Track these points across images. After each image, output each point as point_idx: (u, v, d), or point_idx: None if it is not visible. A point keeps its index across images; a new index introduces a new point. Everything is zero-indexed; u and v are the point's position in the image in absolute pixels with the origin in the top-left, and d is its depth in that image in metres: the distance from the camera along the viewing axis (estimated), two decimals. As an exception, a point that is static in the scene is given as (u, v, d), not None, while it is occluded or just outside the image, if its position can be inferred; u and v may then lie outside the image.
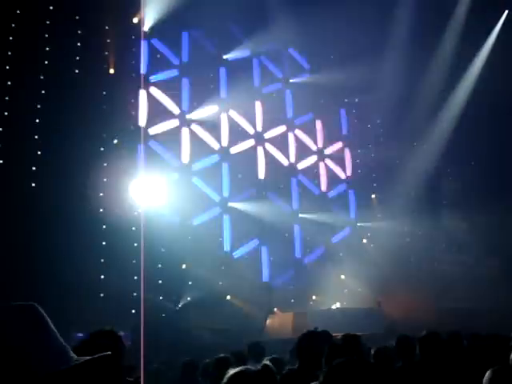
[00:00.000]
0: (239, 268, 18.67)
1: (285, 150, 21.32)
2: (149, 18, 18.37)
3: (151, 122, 18.06)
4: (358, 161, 22.93)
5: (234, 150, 19.76)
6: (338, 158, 22.77)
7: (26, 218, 14.20)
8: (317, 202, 21.54)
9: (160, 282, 16.73)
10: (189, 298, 17.18)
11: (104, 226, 16.02)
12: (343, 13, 19.40)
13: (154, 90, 18.30)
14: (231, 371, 2.23)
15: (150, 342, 9.41)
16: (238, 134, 20.19)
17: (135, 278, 16.11)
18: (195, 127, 19.02)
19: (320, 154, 22.21)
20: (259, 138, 20.59)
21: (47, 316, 1.58)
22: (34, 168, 15.18)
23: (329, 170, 22.37)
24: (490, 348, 4.27)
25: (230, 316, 16.87)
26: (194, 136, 18.98)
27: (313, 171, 22.02)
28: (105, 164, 16.47)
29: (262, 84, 21.23)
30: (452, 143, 22.59)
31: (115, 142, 16.95)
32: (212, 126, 19.56)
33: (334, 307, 18.55)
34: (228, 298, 17.97)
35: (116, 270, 15.22)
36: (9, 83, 15.29)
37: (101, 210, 16.04)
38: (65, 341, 1.57)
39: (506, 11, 22.45)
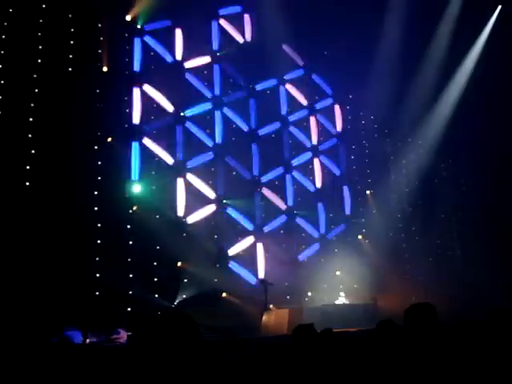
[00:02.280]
0: (234, 265, 18.72)
1: (279, 147, 21.31)
2: (142, 15, 18.37)
3: (145, 119, 18.04)
4: (352, 157, 22.94)
5: (228, 147, 19.73)
6: (333, 154, 22.76)
7: (19, 217, 14.17)
8: (311, 198, 21.54)
9: (155, 279, 16.73)
10: (184, 296, 17.18)
11: (99, 225, 15.99)
12: (336, 8, 19.43)
13: (147, 88, 18.25)
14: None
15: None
16: (231, 130, 20.18)
17: (131, 276, 16.16)
18: (190, 125, 19.00)
19: (314, 151, 22.19)
20: (253, 135, 20.56)
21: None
22: (27, 167, 15.13)
23: (323, 166, 22.35)
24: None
25: (225, 313, 16.89)
26: (188, 133, 18.95)
27: (307, 167, 22.00)
28: (99, 162, 16.45)
29: (256, 81, 21.19)
30: (446, 139, 22.65)
31: (109, 140, 16.90)
32: (207, 124, 19.55)
33: (340, 300, 18.55)
34: (224, 295, 17.97)
35: (111, 269, 15.20)
36: (2, 82, 15.24)
37: (95, 209, 16.01)
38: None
39: (500, 6, 22.50)
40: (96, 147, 16.63)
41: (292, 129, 21.78)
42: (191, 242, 17.63)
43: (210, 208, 18.84)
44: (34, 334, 11.26)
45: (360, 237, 21.99)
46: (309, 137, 22.11)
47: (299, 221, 20.90)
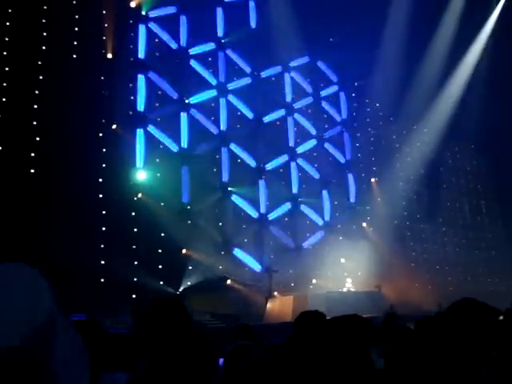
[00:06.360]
0: (239, 253, 18.76)
1: (284, 135, 21.26)
2: (147, 1, 18.28)
3: (150, 106, 18.00)
4: (357, 144, 22.89)
5: (233, 134, 19.69)
6: (338, 142, 22.72)
7: (25, 205, 14.19)
8: (317, 185, 21.51)
9: (160, 266, 16.76)
10: (189, 283, 17.22)
11: (104, 212, 16.01)
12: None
13: (152, 75, 18.20)
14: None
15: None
16: (237, 118, 20.11)
17: (135, 263, 16.21)
18: (194, 112, 18.95)
19: (320, 138, 22.15)
20: (259, 123, 20.51)
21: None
22: (32, 154, 15.13)
23: (328, 153, 22.32)
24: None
25: (230, 300, 16.93)
26: (193, 120, 18.90)
27: (312, 155, 21.96)
28: (104, 150, 16.44)
29: (261, 68, 21.12)
30: (451, 126, 22.59)
31: (114, 127, 16.89)
32: (210, 111, 19.49)
33: (346, 287, 18.52)
34: (228, 282, 18.01)
35: (116, 256, 15.24)
36: (7, 69, 15.21)
37: (100, 196, 16.03)
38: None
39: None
40: (101, 134, 16.62)
41: (297, 116, 21.74)
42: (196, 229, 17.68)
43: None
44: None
45: (365, 224, 21.99)
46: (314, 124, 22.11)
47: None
